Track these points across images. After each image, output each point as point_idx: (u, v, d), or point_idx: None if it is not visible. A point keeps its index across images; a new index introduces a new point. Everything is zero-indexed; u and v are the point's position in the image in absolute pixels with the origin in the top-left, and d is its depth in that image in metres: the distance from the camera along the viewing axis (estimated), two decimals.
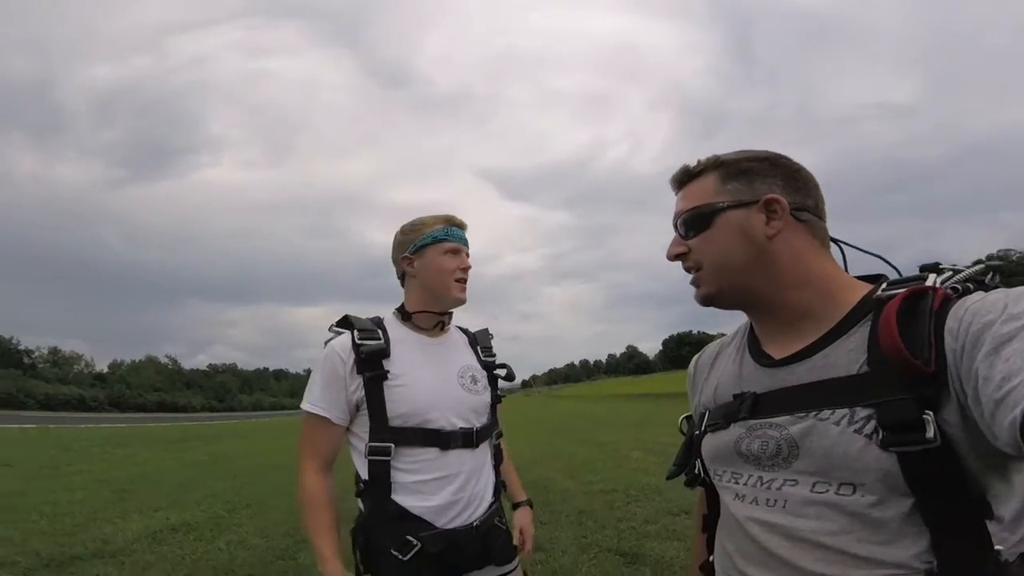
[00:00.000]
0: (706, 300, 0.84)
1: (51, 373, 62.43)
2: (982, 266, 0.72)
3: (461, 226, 1.52)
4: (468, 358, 1.53)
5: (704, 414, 0.89)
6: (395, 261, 1.53)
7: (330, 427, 1.36)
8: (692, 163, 0.86)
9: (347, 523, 1.38)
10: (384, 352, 1.37)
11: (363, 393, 1.34)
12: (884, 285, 0.74)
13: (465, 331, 1.63)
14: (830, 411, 0.69)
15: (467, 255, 1.51)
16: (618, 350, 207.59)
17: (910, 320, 0.65)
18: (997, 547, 0.60)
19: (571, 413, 23.58)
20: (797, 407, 0.73)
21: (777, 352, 0.80)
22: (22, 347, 63.62)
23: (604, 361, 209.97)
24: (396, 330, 1.45)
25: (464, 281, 1.48)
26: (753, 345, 0.85)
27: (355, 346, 1.36)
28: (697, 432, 0.90)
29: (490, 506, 1.42)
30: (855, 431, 0.66)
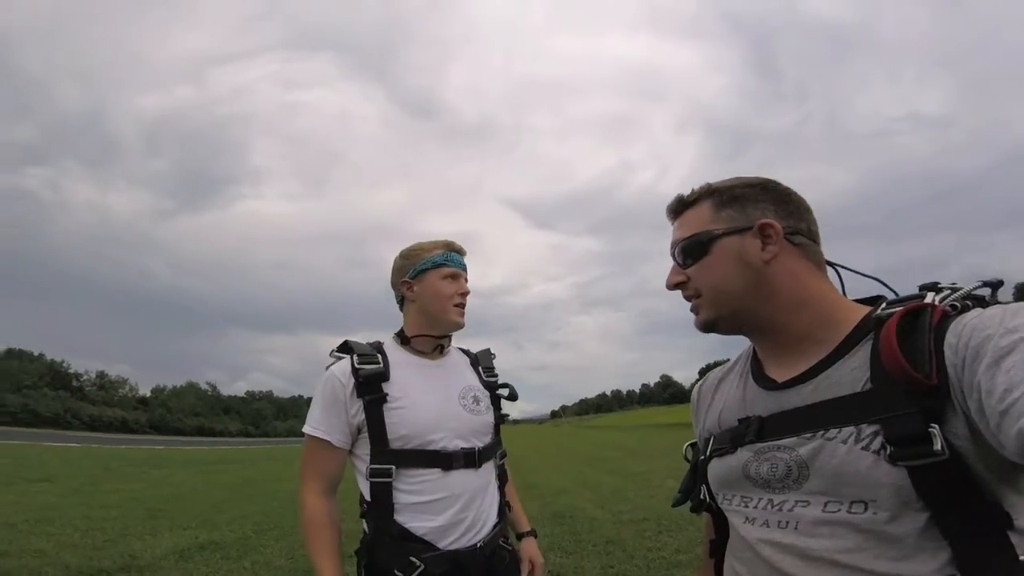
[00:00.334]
0: (706, 326, 0.85)
1: (97, 396, 64.63)
2: (980, 284, 0.73)
3: (460, 252, 1.54)
4: (470, 379, 1.54)
5: (709, 440, 0.89)
6: (394, 285, 1.55)
7: (332, 450, 1.37)
8: (686, 192, 0.88)
9: (354, 544, 1.38)
10: (383, 375, 1.38)
11: (364, 416, 1.35)
12: (883, 305, 0.74)
13: (467, 352, 1.64)
14: (837, 430, 0.69)
15: (466, 280, 1.52)
16: (652, 379, 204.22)
17: (910, 336, 0.66)
18: (1021, 557, 0.59)
19: (602, 443, 23.09)
20: (804, 428, 0.73)
21: (780, 375, 0.80)
22: (71, 370, 66.26)
23: (637, 391, 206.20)
24: (395, 354, 1.46)
25: (462, 306, 1.49)
26: (756, 369, 0.86)
27: (354, 370, 1.37)
28: (703, 458, 0.90)
29: (494, 527, 1.41)
30: (862, 448, 0.66)
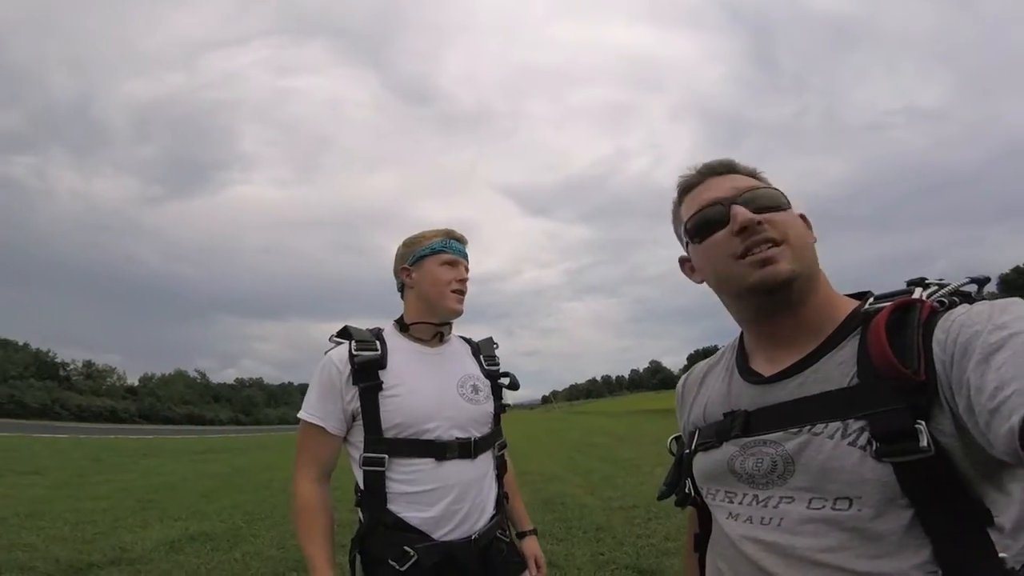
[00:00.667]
0: (791, 277, 0.73)
1: (85, 385, 63.88)
2: (967, 280, 0.72)
3: (461, 240, 1.53)
4: (470, 367, 1.52)
5: (694, 433, 0.88)
6: (396, 273, 1.55)
7: (326, 436, 1.36)
8: (733, 160, 0.85)
9: (347, 533, 1.37)
10: (379, 362, 1.37)
11: (359, 404, 1.34)
12: (871, 300, 0.74)
13: (468, 341, 1.62)
14: (823, 425, 0.69)
15: (466, 268, 1.51)
16: (641, 365, 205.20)
17: (899, 331, 0.66)
18: (1001, 555, 0.59)
19: (592, 429, 23.27)
20: (790, 423, 0.72)
21: (766, 369, 0.80)
22: (59, 359, 65.40)
23: (627, 377, 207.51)
24: (394, 340, 1.45)
25: (460, 292, 1.48)
26: (742, 363, 0.85)
27: (351, 357, 1.36)
28: (687, 451, 0.89)
29: (491, 519, 1.39)
30: (849, 444, 0.66)
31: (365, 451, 1.33)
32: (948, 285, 0.71)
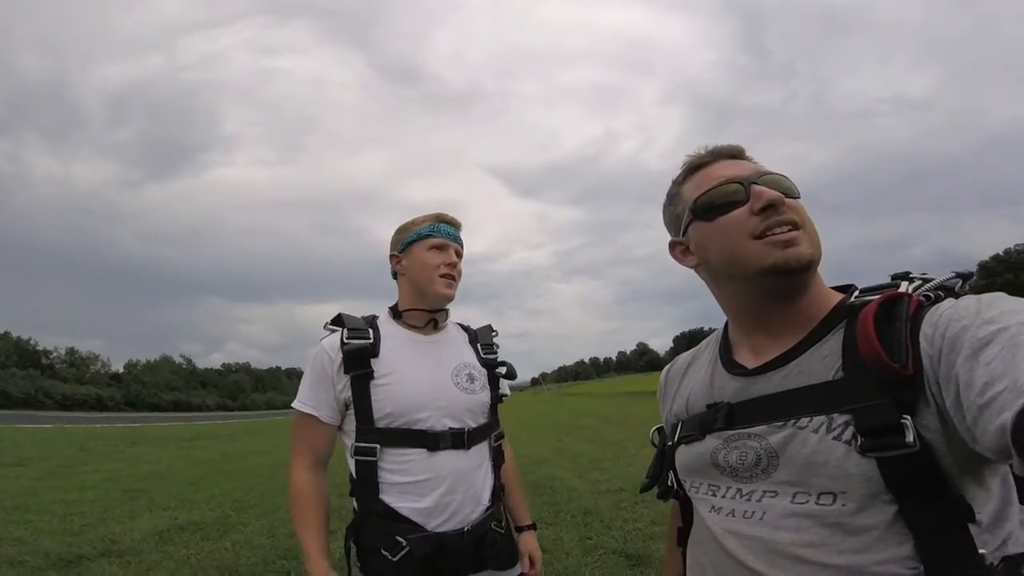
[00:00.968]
0: (810, 260, 0.74)
1: (68, 373, 63.03)
2: (952, 275, 0.72)
3: (452, 223, 1.50)
4: (466, 356, 1.49)
5: (677, 425, 0.87)
6: (390, 260, 1.52)
7: (320, 425, 1.35)
8: (742, 147, 0.85)
9: (343, 520, 1.38)
10: (371, 351, 1.35)
11: (350, 392, 1.33)
12: (856, 292, 0.74)
13: (466, 328, 1.59)
14: (808, 419, 0.68)
15: (456, 252, 1.47)
16: (629, 347, 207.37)
17: (886, 325, 0.65)
18: (980, 550, 0.60)
19: (580, 411, 23.49)
20: (774, 416, 0.72)
21: (750, 361, 0.79)
22: (40, 347, 64.38)
23: (614, 358, 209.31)
24: (388, 328, 1.43)
25: (450, 277, 1.44)
26: (725, 355, 0.84)
27: (343, 345, 1.34)
28: (670, 443, 0.88)
29: (485, 511, 1.38)
30: (834, 438, 0.66)
31: (357, 440, 1.32)
32: (933, 279, 0.71)
